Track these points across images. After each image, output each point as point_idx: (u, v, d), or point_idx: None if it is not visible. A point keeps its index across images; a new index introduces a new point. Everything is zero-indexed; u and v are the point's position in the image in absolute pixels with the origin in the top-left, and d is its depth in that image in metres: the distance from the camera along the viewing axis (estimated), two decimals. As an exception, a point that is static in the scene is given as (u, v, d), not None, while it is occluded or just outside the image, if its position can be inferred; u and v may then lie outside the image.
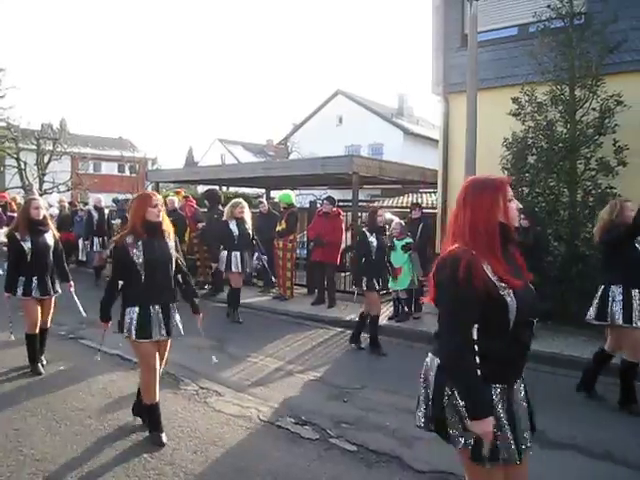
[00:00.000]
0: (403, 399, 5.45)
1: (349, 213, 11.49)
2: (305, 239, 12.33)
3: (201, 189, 22.99)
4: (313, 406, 5.22)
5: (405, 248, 8.68)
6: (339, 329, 8.56)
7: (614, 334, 5.43)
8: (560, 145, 8.63)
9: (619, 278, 5.23)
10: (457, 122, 10.84)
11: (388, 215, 11.37)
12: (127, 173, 36.32)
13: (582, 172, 8.63)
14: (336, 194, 13.37)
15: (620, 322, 5.14)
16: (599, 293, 5.43)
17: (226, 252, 8.93)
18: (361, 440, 4.46)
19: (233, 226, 8.89)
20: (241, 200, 9.40)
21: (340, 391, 5.70)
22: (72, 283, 6.24)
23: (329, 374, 6.32)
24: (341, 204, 12.11)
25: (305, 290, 11.42)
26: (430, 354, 2.63)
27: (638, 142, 8.55)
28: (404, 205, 18.76)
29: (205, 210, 11.94)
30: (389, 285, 9.20)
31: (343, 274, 11.31)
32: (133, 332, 4.21)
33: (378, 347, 7.34)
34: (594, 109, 8.56)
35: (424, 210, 10.55)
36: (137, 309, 4.22)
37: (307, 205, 13.34)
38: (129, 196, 30.68)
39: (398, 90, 38.92)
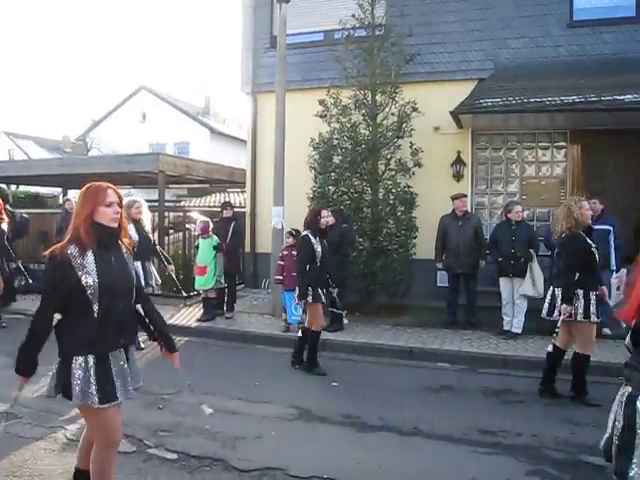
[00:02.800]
0: (221, 400, 5.34)
1: (156, 213, 11.04)
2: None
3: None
4: (126, 417, 4.76)
5: (216, 248, 8.62)
6: (150, 334, 8.12)
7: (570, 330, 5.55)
8: (363, 146, 9.17)
9: (581, 281, 5.36)
10: (265, 122, 10.99)
11: (195, 214, 11.20)
12: None
13: (383, 172, 9.27)
14: (141, 193, 12.79)
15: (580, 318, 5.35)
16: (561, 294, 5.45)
17: None
18: (181, 447, 4.24)
19: (132, 230, 6.82)
20: (137, 198, 7.75)
21: (155, 398, 5.37)
22: None
23: (142, 381, 5.93)
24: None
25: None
26: None
27: (431, 145, 9.53)
28: (212, 205, 18.59)
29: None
30: (195, 285, 9.05)
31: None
32: (93, 396, 2.81)
33: (317, 366, 6.47)
34: (393, 114, 9.26)
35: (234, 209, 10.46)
36: (92, 359, 2.83)
37: (110, 205, 12.53)
38: None
39: (204, 89, 38.46)
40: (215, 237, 8.73)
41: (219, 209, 9.83)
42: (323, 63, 10.31)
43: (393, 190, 9.12)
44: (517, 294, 7.73)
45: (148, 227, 7.39)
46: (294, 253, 7.99)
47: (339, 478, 3.77)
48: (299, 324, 7.98)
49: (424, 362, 6.90)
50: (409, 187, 9.12)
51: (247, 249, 11.60)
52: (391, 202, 9.04)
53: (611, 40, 9.60)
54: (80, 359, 2.82)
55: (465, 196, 8.82)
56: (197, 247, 9.03)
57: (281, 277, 8.12)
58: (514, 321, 7.73)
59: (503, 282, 7.86)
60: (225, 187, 18.75)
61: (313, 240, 6.33)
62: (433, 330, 8.10)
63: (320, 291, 6.36)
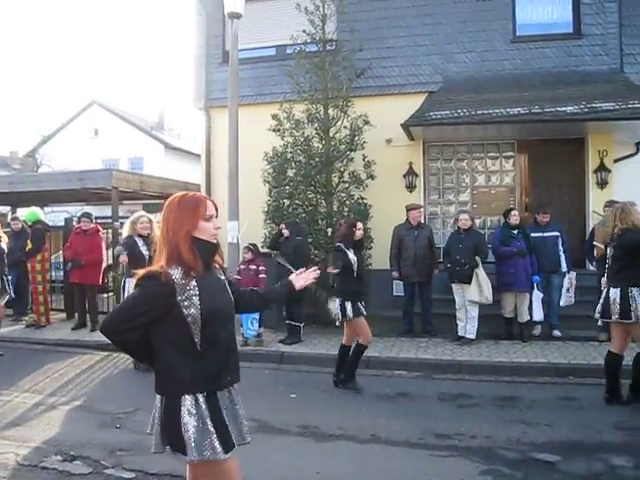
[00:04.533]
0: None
1: (109, 230, 10.94)
2: (61, 259, 11.40)
3: None
4: (82, 438, 4.76)
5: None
6: (105, 353, 8.00)
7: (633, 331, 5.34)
8: (317, 159, 9.29)
9: (638, 279, 5.24)
10: (219, 136, 11.00)
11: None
12: None
13: (337, 184, 9.42)
14: (94, 210, 12.62)
15: None
16: (619, 294, 5.26)
17: None
18: (139, 465, 4.19)
19: (143, 247, 6.88)
20: (144, 213, 7.48)
21: (112, 417, 5.30)
22: None
23: (97, 401, 5.85)
24: (100, 221, 11.48)
25: (64, 315, 10.49)
26: None
27: (383, 157, 9.72)
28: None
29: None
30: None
31: (105, 295, 10.68)
32: (216, 447, 2.31)
33: (354, 380, 6.21)
34: (345, 127, 9.43)
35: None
36: (202, 398, 2.35)
37: (62, 223, 12.33)
38: None
39: (158, 103, 38.17)
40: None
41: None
42: (276, 78, 10.43)
43: (347, 202, 9.28)
44: (467, 300, 7.93)
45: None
46: (251, 268, 8.02)
47: (298, 488, 3.81)
48: (256, 338, 8.02)
49: (381, 370, 6.99)
50: (363, 199, 9.30)
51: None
52: (345, 214, 9.17)
53: (552, 55, 10.04)
54: (189, 400, 2.32)
55: (421, 207, 9.03)
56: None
57: (238, 292, 8.09)
58: (467, 327, 7.91)
59: (455, 288, 8.05)
60: (180, 202, 18.62)
61: (347, 251, 6.08)
62: (390, 339, 8.22)
63: (360, 304, 6.04)
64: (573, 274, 8.07)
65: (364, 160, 9.40)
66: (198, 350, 2.37)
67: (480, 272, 7.81)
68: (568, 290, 8.01)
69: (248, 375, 6.64)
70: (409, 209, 8.67)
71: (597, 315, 5.57)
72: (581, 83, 9.55)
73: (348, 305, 5.96)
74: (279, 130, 9.59)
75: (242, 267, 8.13)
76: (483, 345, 7.76)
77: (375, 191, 9.48)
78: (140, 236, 6.92)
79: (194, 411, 2.31)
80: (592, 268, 8.15)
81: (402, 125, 9.24)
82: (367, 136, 9.43)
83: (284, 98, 9.80)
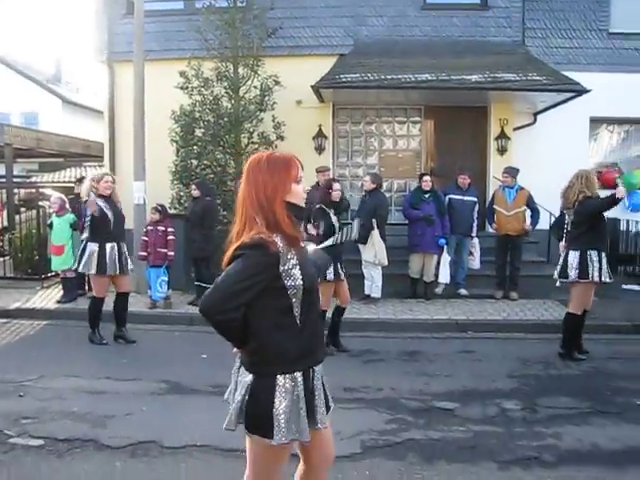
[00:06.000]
0: (87, 381, 5.21)
1: (3, 190, 10.32)
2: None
3: None
4: (-19, 408, 4.55)
5: (73, 225, 8.23)
6: (3, 320, 7.60)
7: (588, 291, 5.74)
8: (225, 119, 9.14)
9: (596, 243, 5.64)
10: (123, 93, 10.47)
11: (48, 190, 10.58)
12: None
13: (246, 145, 9.34)
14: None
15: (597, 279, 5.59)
16: (577, 256, 5.62)
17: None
18: (47, 432, 4.06)
19: (105, 208, 6.33)
20: (107, 171, 7.06)
21: (14, 386, 5.07)
22: None
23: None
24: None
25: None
26: None
27: (293, 119, 9.68)
28: (68, 180, 17.56)
29: None
30: (52, 266, 8.58)
31: (2, 258, 10.12)
32: (304, 429, 2.16)
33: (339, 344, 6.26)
34: (255, 87, 9.31)
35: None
36: (300, 378, 2.17)
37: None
38: None
39: (55, 53, 35.64)
40: (72, 214, 8.32)
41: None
42: (184, 33, 9.99)
43: (256, 163, 9.21)
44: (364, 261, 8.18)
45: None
46: (159, 229, 7.83)
47: (212, 445, 3.84)
48: (164, 300, 7.90)
49: (291, 330, 7.13)
50: (277, 159, 9.28)
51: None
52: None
53: (459, 24, 10.35)
54: (283, 380, 2.14)
55: (328, 170, 9.11)
56: (50, 226, 8.55)
57: (145, 253, 7.91)
58: (373, 286, 8.18)
59: (361, 248, 8.25)
60: (81, 161, 17.76)
61: (330, 213, 5.94)
62: (300, 298, 8.35)
63: (339, 267, 5.90)
64: (477, 240, 8.54)
65: (274, 121, 9.35)
66: (298, 325, 2.18)
67: (375, 234, 7.93)
68: (472, 254, 8.49)
69: (158, 337, 6.64)
70: (318, 171, 8.75)
71: (556, 276, 5.93)
72: (486, 53, 9.92)
73: (330, 267, 5.69)
74: (187, 88, 9.29)
75: (150, 228, 7.92)
76: (389, 303, 8.08)
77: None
78: (101, 196, 6.36)
79: (289, 392, 2.13)
80: (492, 231, 8.63)
81: (312, 87, 9.20)
82: (277, 97, 9.35)
83: (192, 55, 9.49)
